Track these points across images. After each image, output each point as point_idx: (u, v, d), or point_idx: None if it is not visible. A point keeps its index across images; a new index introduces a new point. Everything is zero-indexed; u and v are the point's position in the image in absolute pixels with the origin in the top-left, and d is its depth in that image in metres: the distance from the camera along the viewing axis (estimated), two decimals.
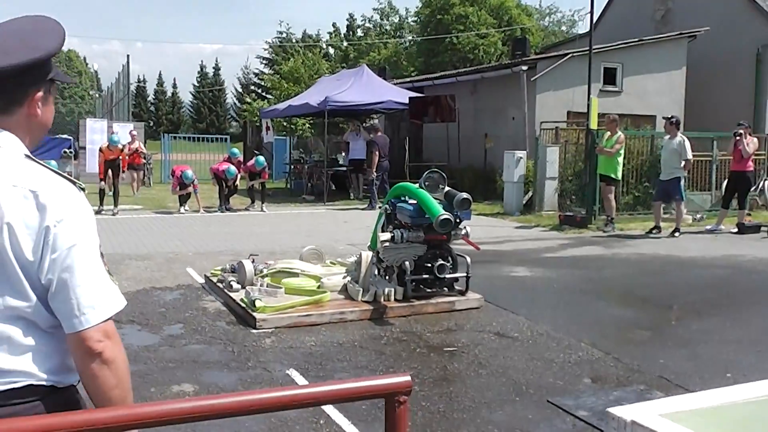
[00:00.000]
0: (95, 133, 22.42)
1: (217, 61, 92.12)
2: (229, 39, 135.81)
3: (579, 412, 4.34)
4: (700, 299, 7.64)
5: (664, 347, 5.83)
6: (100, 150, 14.83)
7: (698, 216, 14.35)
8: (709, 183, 15.73)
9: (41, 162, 1.69)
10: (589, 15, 14.93)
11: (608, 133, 12.74)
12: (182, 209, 14.94)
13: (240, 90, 70.00)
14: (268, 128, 24.26)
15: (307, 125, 27.52)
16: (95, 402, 1.66)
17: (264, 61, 60.21)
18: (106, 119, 27.53)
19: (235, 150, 17.31)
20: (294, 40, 51.47)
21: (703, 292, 8.00)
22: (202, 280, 8.15)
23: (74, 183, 1.68)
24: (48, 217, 1.57)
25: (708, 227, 13.04)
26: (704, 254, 10.43)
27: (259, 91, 54.38)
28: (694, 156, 12.76)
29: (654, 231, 12.36)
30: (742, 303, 7.53)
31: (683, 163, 12.27)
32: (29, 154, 1.69)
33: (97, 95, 58.92)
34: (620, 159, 12.71)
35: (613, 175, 12.64)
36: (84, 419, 1.38)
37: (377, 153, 16.32)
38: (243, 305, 6.63)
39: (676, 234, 12.13)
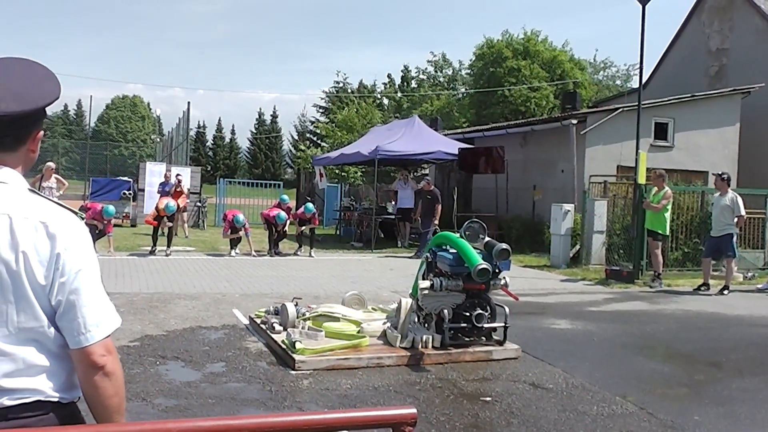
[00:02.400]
0: (153, 175, 23.13)
1: (274, 108, 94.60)
2: (287, 88, 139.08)
3: None
4: (743, 358, 7.52)
5: (701, 404, 5.77)
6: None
7: (749, 274, 14.08)
8: (762, 241, 15.45)
9: (44, 195, 1.89)
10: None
11: (655, 188, 12.69)
12: (233, 252, 15.27)
13: (296, 137, 71.43)
14: (321, 175, 24.70)
15: (359, 173, 27.93)
16: (95, 409, 1.84)
17: (320, 110, 61.51)
18: (165, 162, 28.37)
19: (285, 197, 17.61)
20: (350, 90, 52.52)
21: (746, 351, 7.86)
22: (246, 321, 8.35)
23: (75, 213, 1.87)
24: (57, 245, 1.76)
25: (759, 286, 12.79)
26: (752, 313, 10.24)
27: (314, 138, 55.42)
28: (746, 213, 12.61)
29: (702, 288, 12.19)
30: None
31: (736, 219, 12.14)
32: (32, 188, 1.88)
33: (158, 139, 60.85)
34: (667, 215, 12.63)
35: (660, 231, 12.55)
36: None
37: (439, 204, 16.53)
38: (283, 347, 6.79)
39: (725, 291, 11.93)
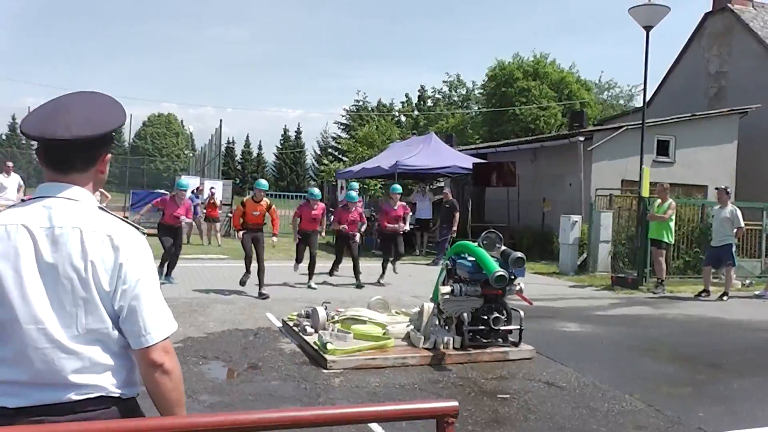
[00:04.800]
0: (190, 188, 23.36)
1: (299, 125, 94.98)
2: (311, 105, 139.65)
3: None
4: (743, 360, 7.54)
5: (704, 403, 5.82)
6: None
7: (747, 282, 14.04)
8: (759, 250, 15.40)
9: (110, 212, 1.99)
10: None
11: (659, 200, 12.73)
12: (312, 283, 14.39)
13: (318, 152, 71.64)
14: (342, 188, 24.83)
15: (379, 186, 28.05)
16: (157, 403, 1.94)
17: (341, 126, 61.68)
18: (199, 176, 28.65)
19: (315, 191, 15.82)
20: (370, 108, 52.73)
21: (745, 354, 7.88)
22: (279, 324, 8.46)
23: (138, 228, 1.97)
24: (121, 255, 1.86)
25: (756, 292, 12.77)
26: (751, 318, 10.23)
27: (336, 153, 55.64)
28: (745, 225, 12.61)
29: (703, 294, 12.19)
30: None
31: (736, 230, 12.16)
32: (101, 205, 1.98)
33: (191, 154, 61.34)
34: (671, 224, 12.66)
35: (665, 240, 12.58)
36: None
37: (457, 214, 16.57)
38: (315, 347, 6.91)
39: (725, 298, 11.92)
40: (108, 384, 1.87)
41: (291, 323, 8.08)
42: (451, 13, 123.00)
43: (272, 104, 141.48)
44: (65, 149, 1.89)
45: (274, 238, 11.36)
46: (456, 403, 1.85)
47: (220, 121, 35.25)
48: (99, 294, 1.84)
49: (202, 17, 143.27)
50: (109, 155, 2.01)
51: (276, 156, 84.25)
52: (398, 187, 13.88)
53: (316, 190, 12.56)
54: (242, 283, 11.05)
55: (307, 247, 11.96)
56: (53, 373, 1.81)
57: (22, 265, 1.82)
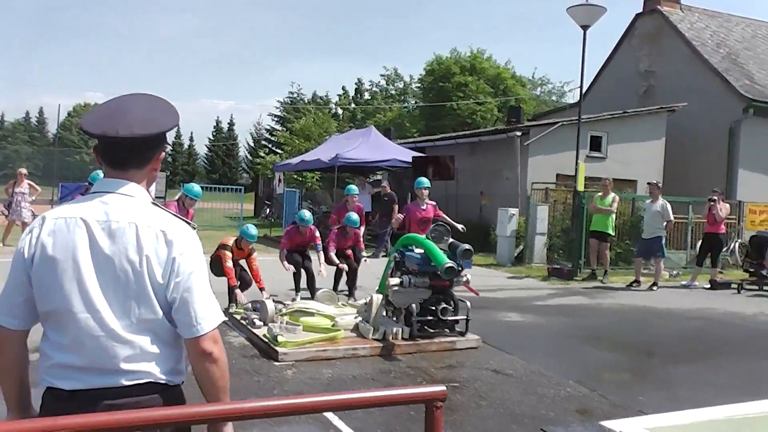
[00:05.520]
0: None
1: (231, 117, 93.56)
2: (243, 97, 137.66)
3: None
4: (677, 346, 7.93)
5: (644, 387, 6.11)
6: None
7: (674, 272, 14.68)
8: (685, 243, 16.12)
9: (163, 207, 2.07)
10: (578, 88, 15.52)
11: (601, 194, 13.18)
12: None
13: (252, 144, 70.82)
14: (280, 180, 24.70)
15: (316, 179, 27.98)
16: (204, 389, 2.01)
17: (276, 119, 61.13)
18: None
19: (305, 214, 10.37)
20: (305, 101, 52.44)
21: (679, 341, 8.28)
22: (225, 318, 8.37)
23: (189, 224, 2.06)
24: (174, 250, 1.95)
25: (683, 283, 13.37)
26: (679, 306, 10.73)
27: (270, 146, 55.09)
28: (673, 218, 13.18)
29: (634, 284, 12.69)
30: (714, 351, 7.82)
31: (665, 223, 12.70)
32: (154, 201, 2.07)
33: None
34: (613, 216, 13.15)
35: (609, 232, 13.07)
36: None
37: (396, 207, 16.65)
38: (266, 340, 6.91)
39: (654, 288, 12.45)
40: (156, 371, 1.95)
41: (238, 316, 8.04)
42: (389, 8, 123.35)
43: (204, 95, 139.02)
44: (124, 148, 1.99)
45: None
46: (444, 388, 1.94)
47: None
48: (152, 286, 1.92)
49: (132, 6, 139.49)
50: (163, 154, 2.12)
51: (208, 148, 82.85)
52: (425, 181, 10.31)
53: (307, 214, 9.88)
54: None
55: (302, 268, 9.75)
56: (107, 359, 1.91)
57: (80, 257, 1.91)
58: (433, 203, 10.39)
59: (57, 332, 1.93)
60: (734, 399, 2.38)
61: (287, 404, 1.79)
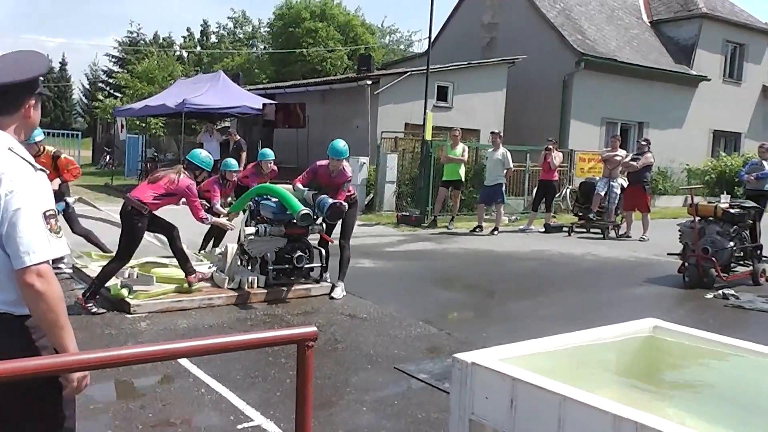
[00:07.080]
0: None
1: (63, 56, 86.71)
2: (75, 34, 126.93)
3: (420, 375, 4.93)
4: (515, 285, 8.57)
5: (487, 324, 6.60)
6: None
7: (513, 217, 15.66)
8: (523, 189, 17.20)
9: (19, 153, 2.15)
10: (425, 38, 15.88)
11: (451, 143, 13.69)
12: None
13: (88, 86, 66.27)
14: (122, 126, 23.42)
15: (160, 125, 26.83)
16: (37, 321, 2.12)
17: (113, 60, 57.37)
18: None
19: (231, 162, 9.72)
20: (146, 41, 49.64)
21: (517, 280, 8.95)
22: (70, 270, 8.02)
23: (34, 167, 2.18)
24: (2, 188, 2.07)
25: (521, 227, 14.31)
26: (518, 249, 11.52)
27: (109, 89, 51.84)
28: (513, 166, 13.99)
29: (477, 230, 13.41)
30: (548, 288, 8.52)
31: (505, 171, 13.46)
32: (12, 147, 2.15)
33: None
34: (463, 166, 13.74)
35: (461, 180, 13.67)
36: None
37: (244, 154, 16.34)
38: (114, 293, 6.69)
39: (495, 233, 13.24)
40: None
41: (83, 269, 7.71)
42: None
43: (28, 31, 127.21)
44: None
45: None
46: (315, 329, 2.05)
47: None
48: None
49: None
50: (33, 101, 2.26)
51: None
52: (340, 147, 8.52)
53: (268, 151, 9.61)
54: None
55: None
56: None
57: None
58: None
59: None
60: (566, 329, 2.69)
61: (142, 352, 1.84)
